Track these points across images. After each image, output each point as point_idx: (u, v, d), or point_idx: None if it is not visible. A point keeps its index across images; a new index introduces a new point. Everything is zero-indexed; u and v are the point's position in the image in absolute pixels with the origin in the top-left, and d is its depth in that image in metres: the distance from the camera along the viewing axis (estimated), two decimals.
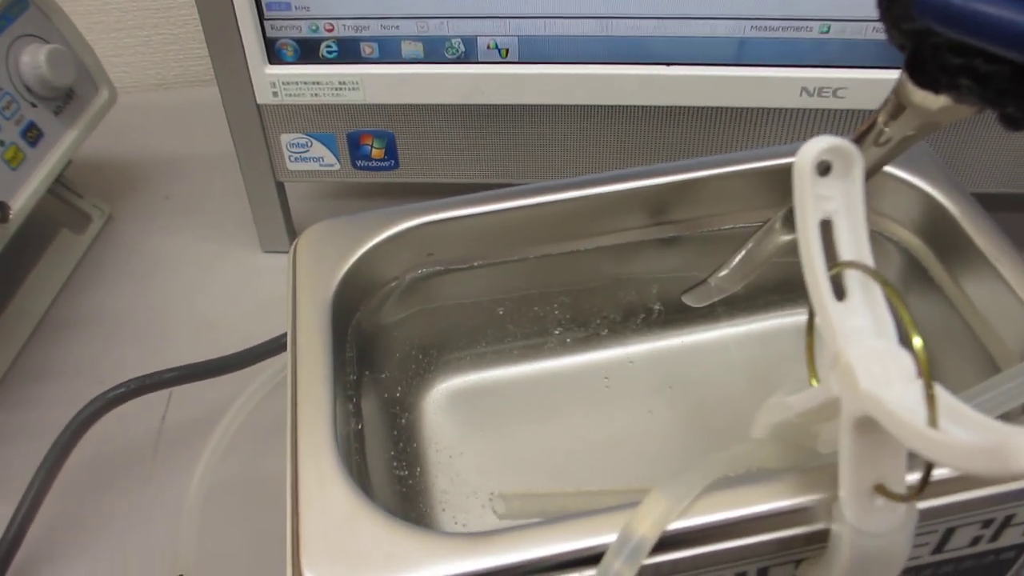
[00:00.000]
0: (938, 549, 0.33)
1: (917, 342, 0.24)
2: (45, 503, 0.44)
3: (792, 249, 0.39)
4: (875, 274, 0.27)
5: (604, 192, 0.41)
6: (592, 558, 0.28)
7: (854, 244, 0.29)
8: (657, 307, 0.45)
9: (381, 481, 0.36)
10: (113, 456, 0.50)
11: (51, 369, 0.56)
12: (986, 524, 0.32)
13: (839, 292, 0.28)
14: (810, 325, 0.31)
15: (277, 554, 0.29)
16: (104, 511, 0.47)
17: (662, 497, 0.28)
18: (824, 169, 0.29)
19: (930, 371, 0.24)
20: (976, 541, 0.33)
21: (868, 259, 0.28)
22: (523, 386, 0.43)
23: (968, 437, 0.22)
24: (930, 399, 0.23)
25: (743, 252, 0.40)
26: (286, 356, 0.35)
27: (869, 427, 0.26)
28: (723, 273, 0.40)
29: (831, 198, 0.28)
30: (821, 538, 0.29)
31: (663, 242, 0.43)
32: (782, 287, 0.45)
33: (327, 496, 0.29)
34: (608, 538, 0.28)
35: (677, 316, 0.45)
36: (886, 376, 0.26)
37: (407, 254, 0.40)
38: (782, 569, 0.31)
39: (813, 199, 0.28)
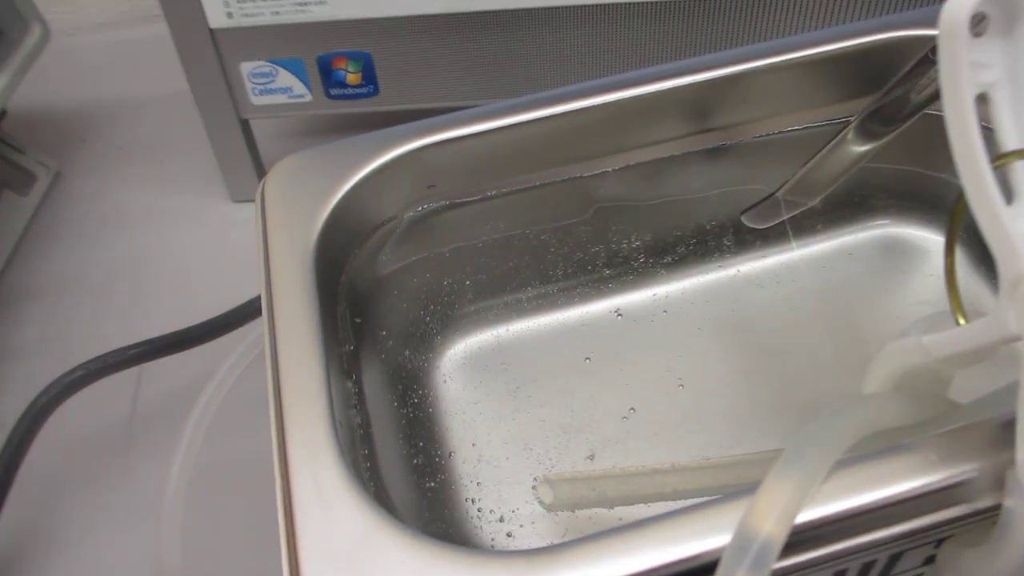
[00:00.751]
0: None
1: None
2: (4, 504, 0.40)
3: (876, 155, 0.32)
4: None
5: (635, 95, 0.34)
6: (699, 571, 0.20)
7: (1022, 125, 0.21)
8: (710, 232, 0.37)
9: (395, 479, 0.29)
10: (80, 446, 0.45)
11: (4, 350, 0.51)
12: None
13: (1006, 194, 0.21)
14: (950, 244, 0.23)
15: (274, 551, 0.24)
16: (73, 510, 0.43)
17: (785, 482, 0.21)
18: (978, 24, 0.21)
19: None
20: None
21: None
22: (557, 340, 0.36)
23: None
24: None
25: (811, 163, 0.33)
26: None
27: None
28: (791, 187, 0.33)
29: (990, 66, 0.21)
30: (979, 514, 0.22)
31: (709, 153, 0.36)
32: (862, 194, 0.37)
33: (332, 513, 0.22)
34: (715, 541, 0.21)
35: (735, 242, 0.37)
36: None
37: (403, 187, 0.32)
38: (919, 552, 0.24)
39: (967, 68, 0.20)
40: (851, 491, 0.21)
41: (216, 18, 0.48)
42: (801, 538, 0.21)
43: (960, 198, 0.23)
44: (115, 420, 0.46)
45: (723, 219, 0.38)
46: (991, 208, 0.20)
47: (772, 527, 0.20)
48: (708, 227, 0.38)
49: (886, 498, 0.21)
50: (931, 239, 0.37)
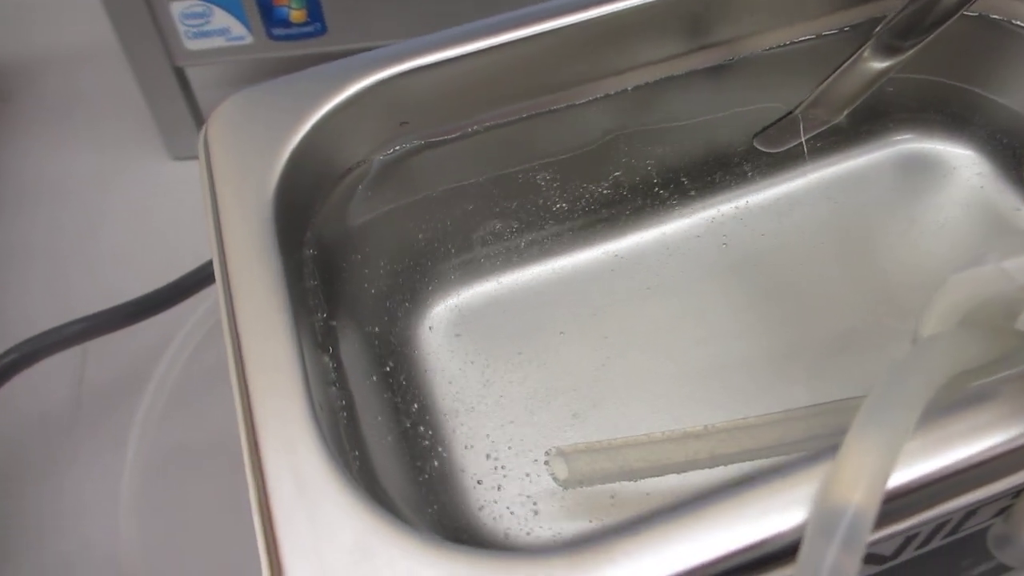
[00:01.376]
0: None
1: None
2: None
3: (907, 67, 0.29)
4: None
5: (627, 8, 0.31)
6: (775, 556, 0.17)
7: None
8: (716, 162, 0.34)
9: (388, 467, 0.25)
10: (22, 436, 0.42)
11: None
12: None
13: None
14: None
15: (245, 539, 0.21)
16: (23, 504, 0.40)
17: (869, 443, 0.17)
18: None
19: None
20: None
21: None
22: (554, 291, 0.32)
23: None
24: None
25: (830, 80, 0.29)
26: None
27: None
28: (812, 102, 0.29)
29: None
30: None
31: (713, 72, 0.33)
32: (881, 108, 0.34)
33: (320, 516, 0.18)
34: (792, 518, 0.17)
35: (743, 171, 0.34)
36: None
37: (372, 126, 0.28)
38: (993, 504, 0.21)
39: None
40: (937, 449, 0.18)
41: None
42: (889, 508, 0.18)
43: None
44: (61, 405, 0.44)
45: (730, 146, 0.34)
46: None
47: (863, 497, 0.17)
48: (714, 156, 0.34)
49: (980, 453, 0.18)
50: (957, 154, 0.34)
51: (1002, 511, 0.23)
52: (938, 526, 0.21)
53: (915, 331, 0.24)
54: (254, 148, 0.26)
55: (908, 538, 0.21)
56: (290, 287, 0.23)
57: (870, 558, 0.21)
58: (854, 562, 0.16)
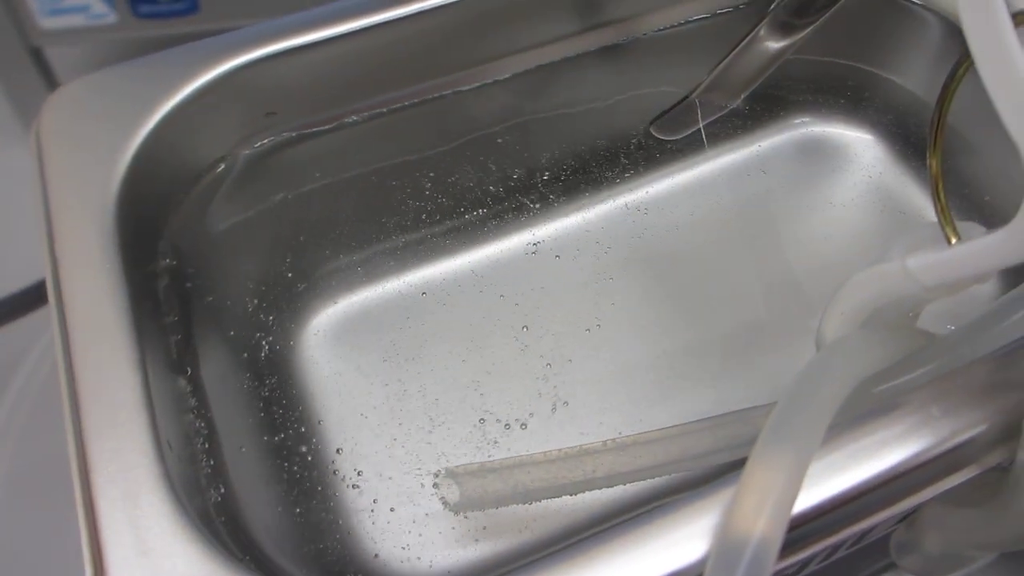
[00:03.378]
0: None
1: None
2: None
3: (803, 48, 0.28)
4: None
5: None
6: None
7: None
8: (611, 150, 0.32)
9: (257, 500, 0.22)
10: None
11: None
12: None
13: None
14: (935, 139, 0.19)
15: None
16: None
17: (772, 465, 0.16)
18: None
19: None
20: None
21: None
22: (442, 294, 0.29)
23: None
24: None
25: (725, 62, 0.28)
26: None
27: None
28: (708, 86, 0.28)
29: None
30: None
31: (605, 53, 0.31)
32: (776, 92, 0.33)
33: (157, 570, 0.16)
34: (691, 552, 0.16)
35: (641, 157, 0.32)
36: None
37: (234, 117, 0.26)
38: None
39: None
40: (844, 467, 0.17)
41: None
42: (795, 535, 0.16)
43: (955, 75, 0.18)
44: None
45: (626, 133, 0.32)
46: (1014, 79, 0.15)
47: (766, 525, 0.15)
48: (609, 144, 0.33)
49: (888, 470, 0.17)
50: (855, 137, 0.33)
51: (905, 518, 0.22)
52: (840, 543, 0.20)
53: (818, 332, 0.23)
54: (95, 142, 0.23)
55: (809, 556, 0.20)
56: (136, 304, 0.20)
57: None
58: None
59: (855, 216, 0.32)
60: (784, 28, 0.28)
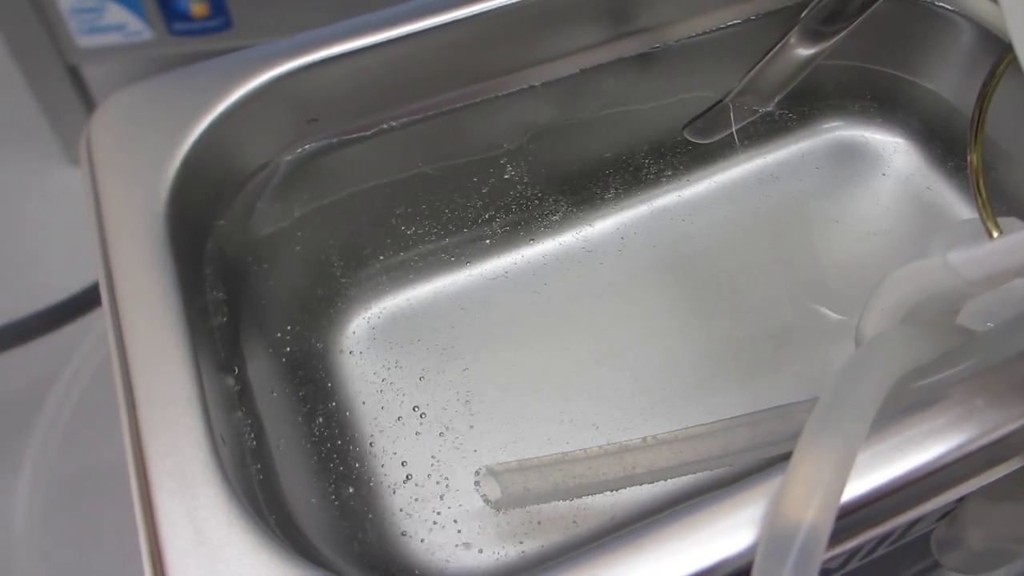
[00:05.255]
0: None
1: None
2: None
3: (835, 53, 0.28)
4: None
5: None
6: None
7: None
8: (647, 154, 0.32)
9: (303, 499, 0.22)
10: None
11: None
12: None
13: None
14: (976, 133, 0.19)
15: None
16: None
17: (820, 455, 0.16)
18: None
19: None
20: None
21: None
22: (478, 296, 0.30)
23: None
24: None
25: (757, 68, 0.28)
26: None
27: None
28: (742, 91, 0.28)
29: None
30: None
31: (639, 61, 0.32)
32: (810, 96, 0.33)
33: (219, 565, 0.16)
34: (740, 541, 0.16)
35: (674, 163, 0.32)
36: None
37: (277, 124, 0.27)
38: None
39: None
40: (894, 457, 0.17)
41: None
42: (843, 524, 0.17)
43: (995, 72, 0.18)
44: None
45: (660, 137, 0.33)
46: None
47: (816, 514, 0.15)
48: (644, 147, 0.33)
49: (934, 460, 0.17)
50: (887, 141, 0.33)
51: (946, 515, 0.22)
52: (884, 535, 0.20)
53: (858, 328, 0.23)
54: (144, 150, 0.24)
55: (853, 550, 0.20)
56: (187, 306, 0.21)
57: None
58: None
59: (888, 218, 0.32)
60: (815, 35, 0.28)
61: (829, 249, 0.32)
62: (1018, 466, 0.18)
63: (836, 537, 0.17)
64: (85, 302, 0.39)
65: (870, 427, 0.17)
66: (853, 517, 0.17)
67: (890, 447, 0.17)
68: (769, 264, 0.32)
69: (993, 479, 0.18)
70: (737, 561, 0.16)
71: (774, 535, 0.16)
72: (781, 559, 0.15)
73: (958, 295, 0.20)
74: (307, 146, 0.27)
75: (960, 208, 0.31)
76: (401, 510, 0.24)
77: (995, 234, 0.19)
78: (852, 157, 0.33)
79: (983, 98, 0.18)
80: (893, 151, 0.33)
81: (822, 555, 0.16)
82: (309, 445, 0.24)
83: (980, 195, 0.19)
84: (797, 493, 0.16)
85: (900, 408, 0.18)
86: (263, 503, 0.19)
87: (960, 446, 0.17)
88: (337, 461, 0.25)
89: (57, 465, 0.39)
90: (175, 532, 0.17)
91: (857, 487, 0.17)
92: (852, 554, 0.20)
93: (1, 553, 0.37)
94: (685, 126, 0.30)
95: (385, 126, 0.28)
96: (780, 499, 0.16)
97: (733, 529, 0.16)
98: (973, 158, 0.19)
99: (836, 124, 0.34)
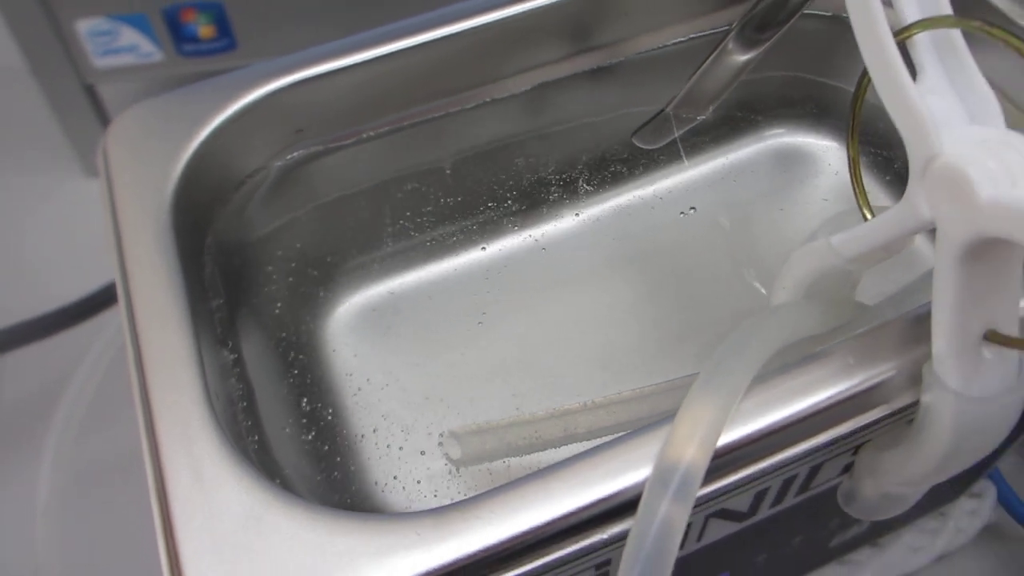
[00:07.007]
0: None
1: None
2: None
3: (759, 65, 0.31)
4: (976, 24, 0.19)
5: (511, 15, 0.32)
6: (621, 508, 0.19)
7: None
8: (602, 160, 0.36)
9: (287, 455, 0.26)
10: None
11: None
12: None
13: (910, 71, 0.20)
14: (852, 136, 0.22)
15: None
16: None
17: (703, 404, 0.19)
18: None
19: None
20: None
21: (946, 10, 0.20)
22: (449, 286, 0.34)
23: None
24: None
25: (696, 76, 0.31)
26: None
27: (983, 253, 0.18)
28: (680, 101, 0.32)
29: None
30: (897, 414, 0.22)
31: (594, 75, 0.34)
32: (751, 106, 0.36)
33: (211, 492, 0.19)
34: (636, 476, 0.19)
35: (627, 166, 0.36)
36: (1009, 173, 0.17)
37: (268, 134, 0.30)
38: (837, 461, 0.24)
39: None
40: (771, 406, 0.20)
41: None
42: (724, 460, 0.20)
43: (862, 81, 0.21)
44: None
45: (614, 144, 0.36)
46: (897, 84, 0.19)
47: (694, 453, 0.19)
48: (600, 154, 0.36)
49: (808, 408, 0.20)
50: (824, 145, 0.37)
51: (847, 469, 0.25)
52: (785, 482, 0.23)
53: (770, 304, 0.26)
54: (152, 158, 0.27)
55: (758, 494, 0.23)
56: (189, 289, 0.24)
57: (728, 515, 0.24)
58: (684, 512, 0.18)
59: (826, 211, 0.36)
60: (748, 42, 0.31)
61: (773, 241, 0.35)
62: (884, 414, 0.21)
63: (719, 471, 0.20)
64: (99, 302, 0.42)
65: (751, 383, 0.20)
66: (735, 455, 0.20)
67: (772, 397, 0.21)
68: (720, 257, 0.35)
69: (859, 426, 0.21)
70: (634, 490, 0.19)
71: (660, 469, 0.19)
72: (665, 488, 0.19)
73: (843, 272, 0.23)
74: (295, 153, 0.30)
75: (883, 198, 0.35)
76: (368, 459, 0.28)
77: (868, 216, 0.22)
78: (793, 160, 0.37)
79: (855, 103, 0.22)
80: (827, 152, 0.36)
81: (698, 488, 0.19)
82: (294, 408, 0.28)
83: (857, 184, 0.22)
84: (681, 434, 0.19)
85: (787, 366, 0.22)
86: (250, 451, 0.23)
87: (829, 397, 0.21)
88: (315, 430, 0.28)
89: (75, 452, 0.41)
90: (177, 473, 0.20)
91: (739, 431, 0.20)
92: (757, 498, 0.23)
93: (25, 530, 0.39)
94: (633, 133, 0.33)
95: (363, 136, 0.31)
96: (668, 440, 0.19)
97: (632, 464, 0.19)
98: (851, 151, 0.22)
99: (778, 131, 0.37)
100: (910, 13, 0.20)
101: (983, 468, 0.35)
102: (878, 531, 0.37)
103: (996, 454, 0.33)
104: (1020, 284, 0.19)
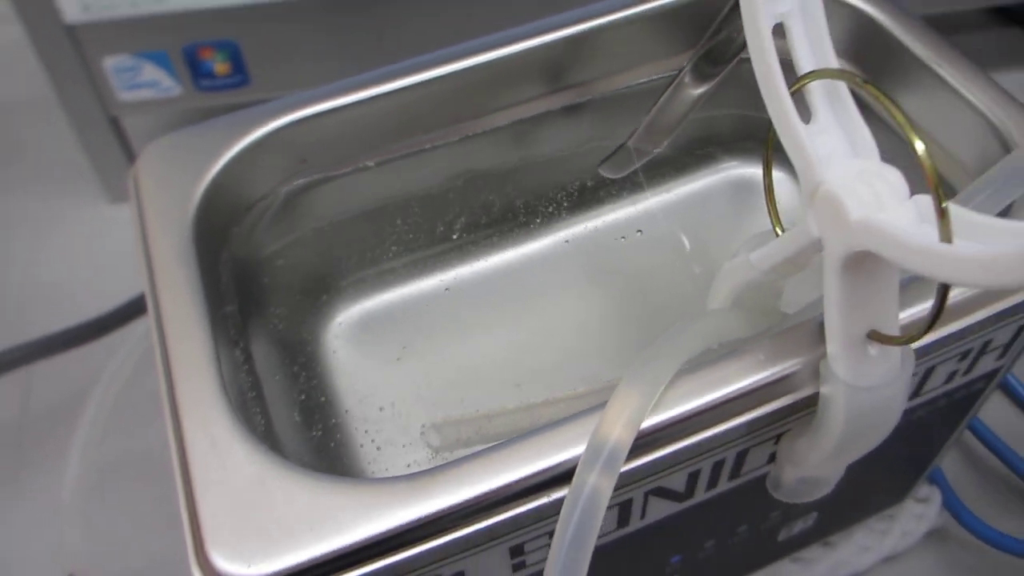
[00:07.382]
0: (916, 393, 0.30)
1: (920, 147, 0.20)
2: None
3: (712, 101, 0.35)
4: (849, 76, 0.23)
5: (495, 58, 0.35)
6: (561, 477, 0.23)
7: (815, 50, 0.24)
8: (573, 189, 0.40)
9: (290, 438, 0.30)
10: None
11: None
12: (963, 356, 0.30)
13: (803, 115, 0.24)
14: (767, 167, 0.27)
15: (180, 536, 0.24)
16: None
17: (631, 392, 0.23)
18: None
19: (939, 179, 0.20)
20: (951, 377, 0.31)
21: (833, 64, 0.24)
22: (436, 300, 0.38)
23: (991, 247, 0.18)
24: (941, 213, 0.19)
25: (655, 110, 0.35)
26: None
27: (859, 265, 0.22)
28: (640, 135, 0.36)
29: None
30: (804, 406, 0.26)
31: (567, 111, 0.38)
32: (708, 141, 0.41)
33: (226, 461, 0.23)
34: (576, 451, 0.23)
35: (596, 193, 0.40)
36: (877, 199, 0.21)
37: (275, 163, 0.34)
38: (761, 449, 0.28)
39: (762, 1, 0.23)
40: (691, 394, 0.24)
41: (72, 12, 0.48)
42: (648, 440, 0.24)
43: (771, 125, 0.26)
44: (5, 424, 0.47)
45: (585, 174, 0.40)
46: (790, 127, 0.23)
47: (620, 432, 0.23)
48: (571, 184, 0.40)
49: (723, 396, 0.24)
50: (775, 176, 0.41)
51: (772, 458, 0.29)
52: (716, 465, 0.27)
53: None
54: (176, 185, 0.31)
55: (692, 475, 0.27)
56: (208, 297, 0.28)
57: (667, 494, 0.27)
58: (610, 483, 0.22)
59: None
60: (701, 76, 0.34)
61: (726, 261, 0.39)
62: (789, 402, 0.25)
63: (647, 447, 0.24)
64: (121, 317, 0.46)
65: (675, 373, 0.24)
66: (659, 434, 0.24)
67: (694, 387, 0.24)
68: (681, 274, 0.39)
69: (768, 412, 0.25)
70: (572, 463, 0.23)
71: (592, 445, 0.23)
72: (593, 464, 0.22)
73: (764, 284, 0.27)
74: (300, 180, 0.34)
75: None
76: (361, 446, 0.32)
77: (779, 233, 0.26)
78: (746, 190, 0.41)
79: (767, 139, 0.26)
80: (777, 182, 0.40)
81: (623, 458, 0.22)
82: (295, 407, 0.32)
83: (771, 206, 0.26)
84: (610, 417, 0.23)
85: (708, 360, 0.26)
86: (259, 432, 0.27)
87: (742, 387, 0.24)
88: (317, 421, 0.32)
89: (100, 451, 0.44)
90: (198, 446, 0.24)
91: (663, 415, 0.24)
92: (691, 479, 0.27)
93: (53, 522, 0.42)
94: (600, 164, 0.37)
95: (361, 165, 0.35)
96: (600, 421, 0.23)
97: (572, 442, 0.23)
98: (766, 182, 0.27)
99: (733, 163, 0.41)
100: (805, 64, 0.24)
101: (919, 467, 0.39)
102: (827, 529, 0.40)
103: (931, 453, 0.36)
104: (897, 290, 0.23)
